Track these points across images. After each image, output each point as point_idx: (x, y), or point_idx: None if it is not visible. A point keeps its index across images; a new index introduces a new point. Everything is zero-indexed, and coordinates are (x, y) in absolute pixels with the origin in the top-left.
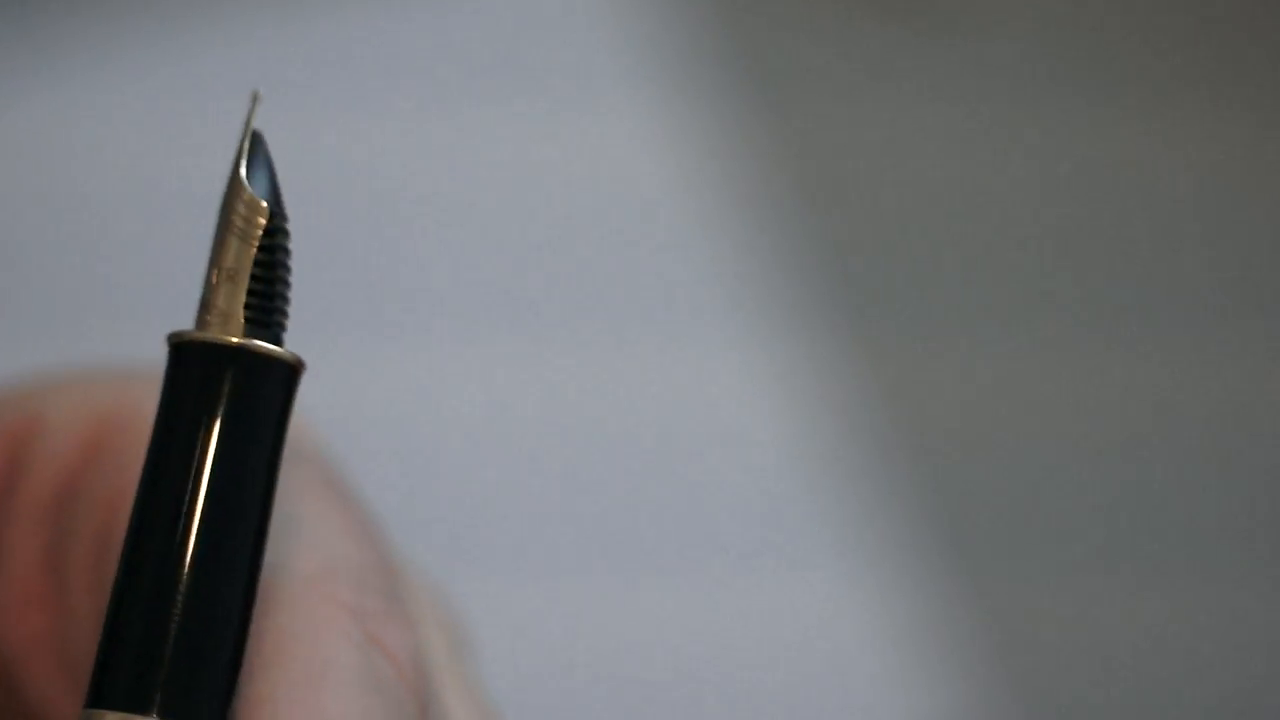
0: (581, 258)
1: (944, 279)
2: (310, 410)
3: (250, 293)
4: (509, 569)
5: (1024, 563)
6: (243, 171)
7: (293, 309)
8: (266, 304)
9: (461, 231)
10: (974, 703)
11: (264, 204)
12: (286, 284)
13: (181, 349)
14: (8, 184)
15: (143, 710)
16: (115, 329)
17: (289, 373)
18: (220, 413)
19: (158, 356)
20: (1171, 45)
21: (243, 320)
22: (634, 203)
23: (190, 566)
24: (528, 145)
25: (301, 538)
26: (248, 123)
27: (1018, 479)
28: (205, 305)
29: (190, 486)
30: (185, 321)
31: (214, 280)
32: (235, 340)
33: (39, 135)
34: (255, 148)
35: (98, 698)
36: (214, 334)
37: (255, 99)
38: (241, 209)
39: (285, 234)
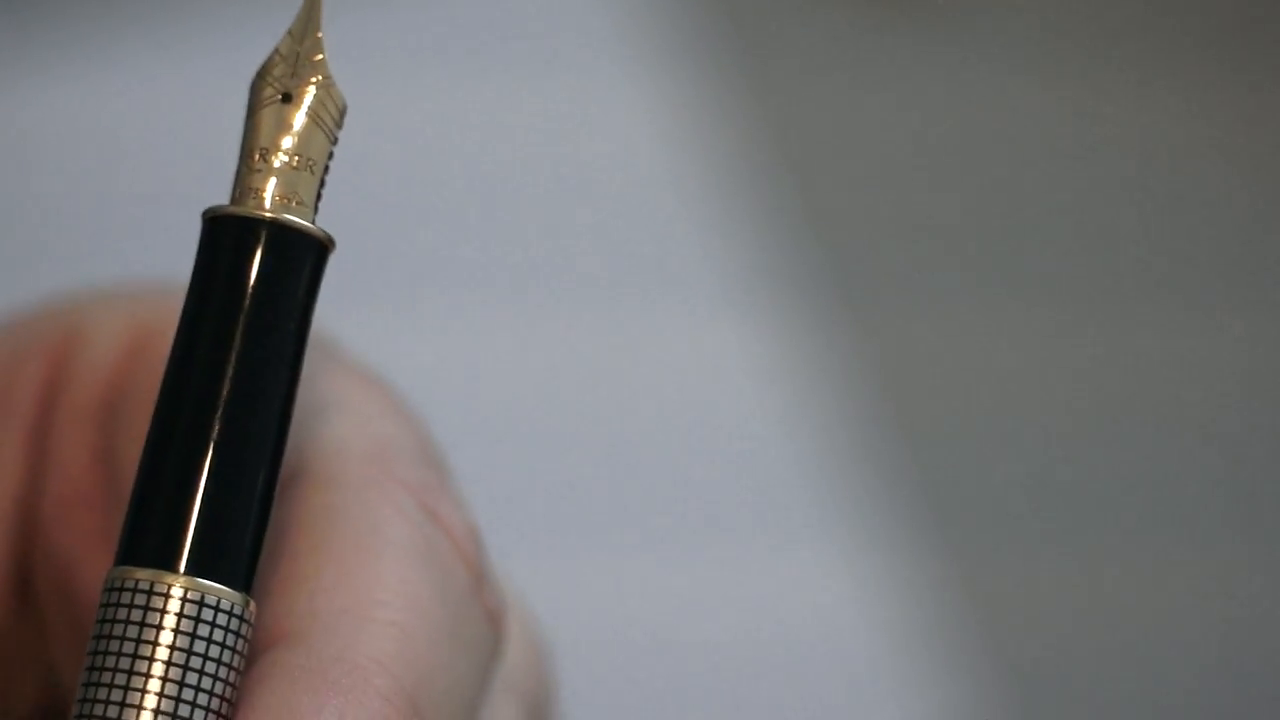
0: (575, 236)
1: (943, 259)
2: None
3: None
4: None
5: (1020, 541)
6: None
7: None
8: (320, 194)
9: (454, 206)
10: (968, 683)
11: (345, 103)
12: None
13: (217, 222)
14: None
15: (170, 567)
16: None
17: (320, 248)
18: (253, 281)
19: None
20: (1158, 32)
21: (314, 209)
22: (631, 181)
23: (219, 428)
24: (524, 122)
25: (352, 419)
26: (315, 10)
27: (1015, 457)
28: (274, 193)
29: (220, 351)
30: None
31: (286, 164)
32: (269, 214)
33: (60, 121)
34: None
35: (127, 555)
36: (248, 208)
37: None
38: (331, 106)
39: None
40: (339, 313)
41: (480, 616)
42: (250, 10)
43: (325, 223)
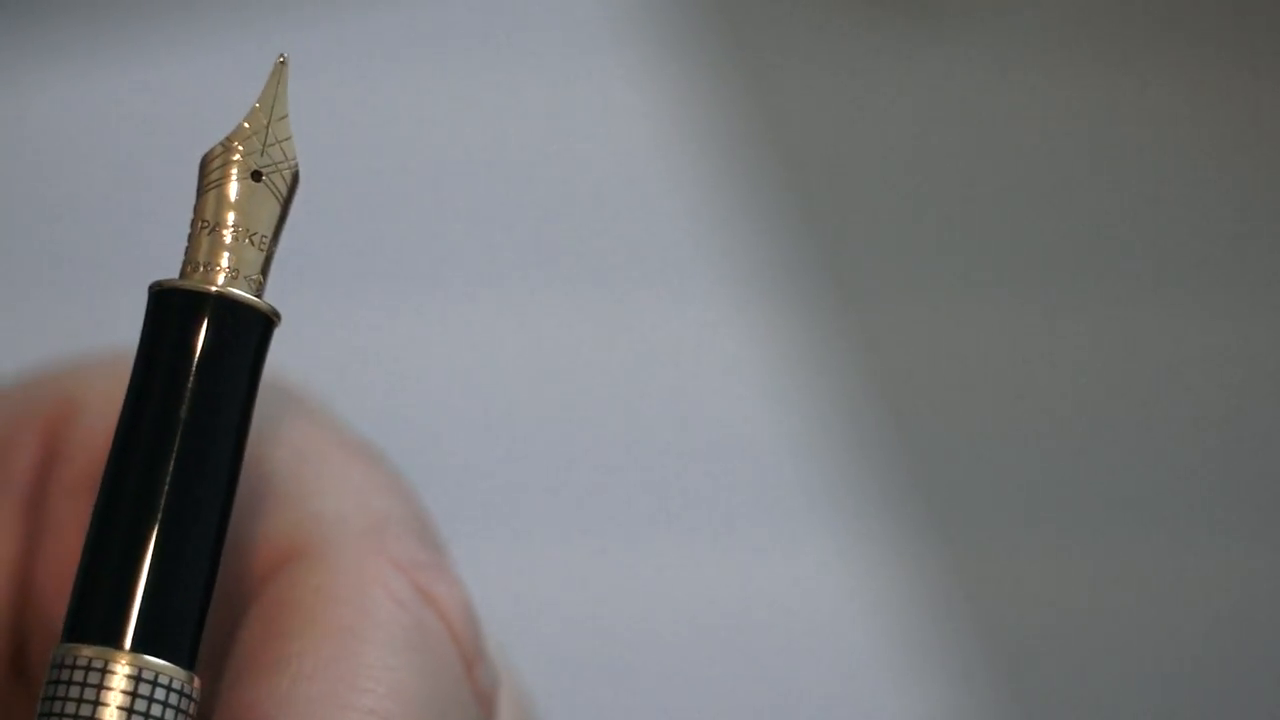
0: (572, 231)
1: (941, 256)
2: (289, 365)
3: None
4: (482, 537)
5: (1019, 537)
6: (294, 140)
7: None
8: (268, 268)
9: (450, 200)
10: (966, 679)
11: (298, 171)
12: None
13: (162, 296)
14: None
15: (115, 644)
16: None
17: (265, 322)
18: (198, 355)
19: None
20: (1158, 31)
21: (262, 283)
22: (628, 177)
23: (163, 505)
24: (521, 118)
25: (350, 495)
26: (280, 87)
27: (1013, 453)
28: (222, 267)
29: (164, 424)
30: None
31: (234, 238)
32: (214, 288)
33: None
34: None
35: (73, 632)
36: (195, 282)
37: (284, 63)
38: (283, 179)
39: None
40: (338, 309)
41: (469, 699)
42: (253, 10)
43: (325, 220)
